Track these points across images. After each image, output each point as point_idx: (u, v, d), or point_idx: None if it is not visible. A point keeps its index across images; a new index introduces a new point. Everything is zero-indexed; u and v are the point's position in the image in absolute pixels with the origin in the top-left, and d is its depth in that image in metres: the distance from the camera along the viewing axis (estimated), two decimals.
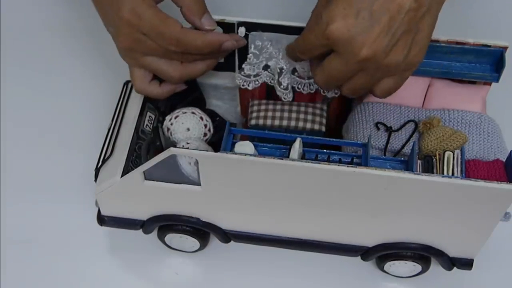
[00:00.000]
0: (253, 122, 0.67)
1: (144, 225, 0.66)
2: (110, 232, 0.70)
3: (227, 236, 0.66)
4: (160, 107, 0.68)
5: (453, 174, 0.58)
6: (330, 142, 0.60)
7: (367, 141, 0.59)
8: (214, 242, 0.69)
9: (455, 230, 0.60)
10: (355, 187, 0.57)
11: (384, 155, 0.62)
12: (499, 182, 0.54)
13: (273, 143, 0.60)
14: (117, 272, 0.69)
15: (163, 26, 0.57)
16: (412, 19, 0.52)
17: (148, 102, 0.66)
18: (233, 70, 0.68)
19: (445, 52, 0.63)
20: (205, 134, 0.66)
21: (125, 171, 0.61)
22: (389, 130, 0.63)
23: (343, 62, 0.54)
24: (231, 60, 0.67)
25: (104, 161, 0.62)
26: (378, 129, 0.63)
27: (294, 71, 0.64)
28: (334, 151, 0.60)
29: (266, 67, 0.64)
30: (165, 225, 0.66)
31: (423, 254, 0.63)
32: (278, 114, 0.66)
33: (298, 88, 0.65)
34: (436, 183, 0.55)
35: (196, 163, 0.58)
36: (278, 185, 0.58)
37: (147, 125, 0.66)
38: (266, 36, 0.63)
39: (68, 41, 0.88)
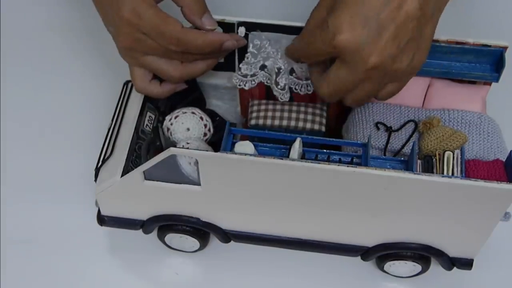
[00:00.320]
0: (253, 122, 0.67)
1: (144, 225, 0.66)
2: (110, 232, 0.70)
3: (227, 236, 0.66)
4: (160, 107, 0.68)
5: (453, 174, 0.58)
6: (330, 142, 0.60)
7: (367, 141, 0.59)
8: (214, 242, 0.69)
9: (455, 230, 0.60)
10: (355, 187, 0.57)
11: (384, 155, 0.62)
12: (499, 182, 0.54)
13: (273, 143, 0.60)
14: (117, 272, 0.69)
15: (164, 26, 0.57)
16: (417, 26, 0.53)
17: (148, 102, 0.66)
18: (233, 70, 0.68)
19: (445, 52, 0.63)
20: (205, 134, 0.66)
21: (125, 171, 0.61)
22: (389, 130, 0.63)
23: (351, 71, 0.54)
24: (231, 60, 0.67)
25: (104, 161, 0.62)
26: (378, 129, 0.63)
27: (292, 71, 0.64)
28: (334, 151, 0.60)
29: (263, 67, 0.64)
30: (165, 225, 0.66)
31: (423, 254, 0.63)
32: (278, 114, 0.66)
33: (295, 89, 0.65)
34: (436, 183, 0.55)
35: (196, 163, 0.58)
36: (278, 185, 0.58)
37: (147, 125, 0.66)
38: (265, 35, 0.63)
39: (68, 41, 0.88)
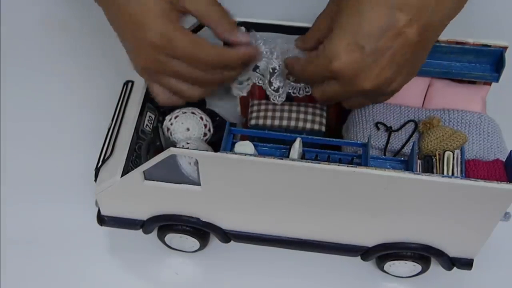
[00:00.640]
0: (253, 122, 0.67)
1: (144, 225, 0.66)
2: (110, 232, 0.70)
3: (227, 236, 0.66)
4: (160, 107, 0.68)
5: (453, 174, 0.58)
6: (330, 142, 0.60)
7: (367, 141, 0.59)
8: (214, 242, 0.69)
9: (455, 230, 0.60)
10: (355, 187, 0.57)
11: (384, 155, 0.62)
12: (499, 182, 0.54)
13: (273, 143, 0.60)
14: (117, 272, 0.69)
15: (199, 50, 0.56)
16: (414, 52, 0.53)
17: (148, 102, 0.66)
18: None
19: (445, 52, 0.63)
20: (205, 134, 0.66)
21: (125, 171, 0.61)
22: (389, 130, 0.63)
23: (345, 90, 0.55)
24: None
25: (104, 161, 0.62)
26: (378, 129, 0.63)
27: (288, 75, 0.63)
28: (334, 151, 0.60)
29: (255, 68, 0.63)
30: (165, 225, 0.66)
31: (423, 254, 0.63)
32: (278, 114, 0.66)
33: (293, 93, 0.65)
34: (436, 183, 0.55)
35: (196, 163, 0.58)
36: (278, 185, 0.58)
37: (147, 125, 0.66)
38: (259, 35, 0.62)
39: (68, 41, 0.88)
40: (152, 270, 0.69)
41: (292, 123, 0.66)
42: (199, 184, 0.60)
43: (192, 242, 0.67)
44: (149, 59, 0.57)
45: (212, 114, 0.70)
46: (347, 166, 0.55)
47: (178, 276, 0.69)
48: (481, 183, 0.54)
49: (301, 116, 0.66)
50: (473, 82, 0.65)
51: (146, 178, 0.60)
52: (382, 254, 0.64)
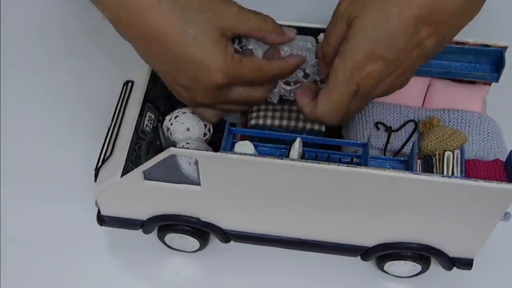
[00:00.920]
0: (253, 122, 0.67)
1: (144, 225, 0.66)
2: (110, 232, 0.70)
3: (227, 236, 0.66)
4: (160, 107, 0.68)
5: (453, 174, 0.58)
6: (330, 142, 0.60)
7: (367, 141, 0.59)
8: (214, 242, 0.69)
9: (455, 230, 0.60)
10: (355, 187, 0.57)
11: (384, 155, 0.62)
12: (499, 182, 0.54)
13: (273, 143, 0.60)
14: (117, 272, 0.69)
15: (260, 74, 0.57)
16: (425, 60, 0.54)
17: (148, 102, 0.66)
18: None
19: (445, 52, 0.63)
20: (205, 134, 0.66)
21: (125, 171, 0.61)
22: (389, 130, 0.63)
23: (364, 101, 0.56)
24: None
25: (104, 161, 0.62)
26: (378, 129, 0.63)
27: None
28: (334, 151, 0.60)
29: None
30: (165, 225, 0.66)
31: (423, 254, 0.63)
32: (278, 114, 0.66)
33: (284, 96, 0.64)
34: (436, 183, 0.55)
35: (196, 163, 0.58)
36: (278, 185, 0.58)
37: (147, 125, 0.66)
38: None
39: (68, 41, 0.88)
40: (152, 270, 0.69)
41: (292, 123, 0.66)
42: (199, 184, 0.60)
43: (192, 242, 0.67)
44: (212, 95, 0.57)
45: None
46: (347, 166, 0.55)
47: (178, 276, 0.69)
48: (481, 183, 0.54)
49: (301, 116, 0.66)
50: (473, 82, 0.65)
51: (146, 178, 0.60)
52: (382, 254, 0.64)
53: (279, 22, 0.61)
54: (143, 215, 0.65)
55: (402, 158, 0.60)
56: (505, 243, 0.69)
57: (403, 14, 0.50)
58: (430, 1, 0.50)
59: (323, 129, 0.66)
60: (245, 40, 0.59)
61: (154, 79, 0.67)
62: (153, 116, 0.67)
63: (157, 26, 0.54)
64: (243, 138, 0.62)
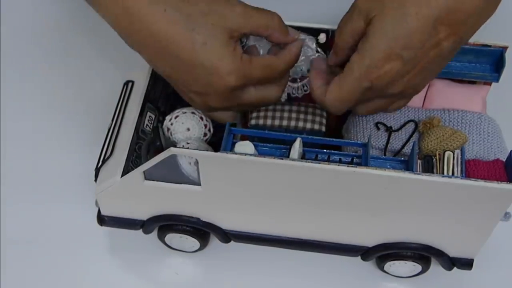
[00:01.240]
0: (253, 122, 0.67)
1: (144, 225, 0.66)
2: (110, 232, 0.70)
3: (227, 236, 0.66)
4: (160, 107, 0.68)
5: (453, 174, 0.58)
6: (330, 142, 0.60)
7: (367, 141, 0.59)
8: (214, 242, 0.69)
9: (455, 230, 0.60)
10: (355, 187, 0.57)
11: (384, 155, 0.62)
12: (499, 182, 0.54)
13: (273, 143, 0.60)
14: (117, 272, 0.69)
15: (271, 72, 0.57)
16: (444, 62, 0.54)
17: (148, 102, 0.66)
18: None
19: None
20: (205, 134, 0.66)
21: (125, 171, 0.61)
22: (389, 130, 0.63)
23: (386, 102, 0.57)
24: None
25: (104, 161, 0.62)
26: (378, 129, 0.63)
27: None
28: (334, 151, 0.60)
29: None
30: (165, 225, 0.66)
31: (423, 254, 0.63)
32: (278, 114, 0.66)
33: (292, 93, 0.65)
34: (436, 183, 0.55)
35: (196, 163, 0.58)
36: (278, 185, 0.58)
37: (147, 125, 0.66)
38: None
39: (68, 41, 0.88)
40: (152, 270, 0.69)
41: (292, 123, 0.66)
42: (199, 184, 0.60)
43: (192, 242, 0.67)
44: (225, 99, 0.58)
45: None
46: (347, 166, 0.55)
47: (178, 276, 0.69)
48: (481, 183, 0.54)
49: (301, 116, 0.66)
50: (473, 82, 0.65)
51: (146, 178, 0.60)
52: (382, 254, 0.64)
53: None
54: (143, 215, 0.65)
55: (402, 158, 0.60)
56: (505, 243, 0.69)
57: (421, 13, 0.50)
58: (449, 2, 0.50)
59: (323, 129, 0.66)
60: (245, 40, 0.59)
61: (154, 79, 0.67)
62: (153, 116, 0.67)
63: (164, 36, 0.54)
64: (243, 138, 0.62)
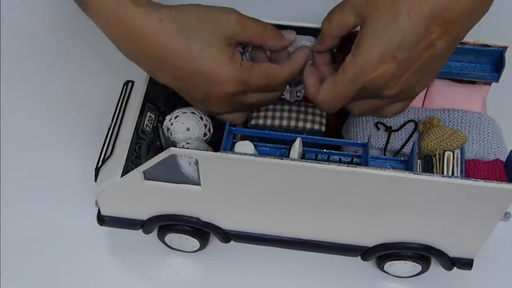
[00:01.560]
0: (253, 122, 0.67)
1: (144, 225, 0.66)
2: (110, 232, 0.70)
3: (227, 236, 0.66)
4: (160, 107, 0.68)
5: (453, 174, 0.58)
6: (330, 142, 0.60)
7: (367, 141, 0.59)
8: (214, 242, 0.69)
9: (455, 230, 0.60)
10: (355, 187, 0.57)
11: (384, 155, 0.62)
12: (499, 182, 0.54)
13: (273, 143, 0.60)
14: (117, 272, 0.69)
15: (272, 80, 0.57)
16: (440, 60, 0.54)
17: (148, 102, 0.66)
18: None
19: None
20: (205, 134, 0.66)
21: (125, 171, 0.61)
22: (389, 130, 0.63)
23: (383, 102, 0.56)
24: None
25: (104, 161, 0.62)
26: (378, 129, 0.63)
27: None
28: (334, 151, 0.60)
29: None
30: (165, 225, 0.66)
31: (423, 254, 0.63)
32: (278, 114, 0.66)
33: (283, 95, 0.65)
34: (436, 183, 0.55)
35: (196, 163, 0.58)
36: (278, 185, 0.58)
37: (147, 125, 0.66)
38: None
39: (68, 41, 0.88)
40: (152, 270, 0.69)
41: (292, 123, 0.66)
42: (199, 184, 0.60)
43: (192, 242, 0.67)
44: (227, 104, 0.58)
45: None
46: (347, 166, 0.55)
47: (178, 276, 0.69)
48: (481, 183, 0.54)
49: (301, 116, 0.66)
50: (473, 82, 0.65)
51: (146, 178, 0.60)
52: (382, 254, 0.64)
53: (278, 22, 0.61)
54: (143, 215, 0.65)
55: (402, 158, 0.60)
56: (505, 243, 0.69)
57: (414, 13, 0.50)
58: (441, 1, 0.50)
59: (323, 129, 0.66)
60: (248, 50, 0.59)
61: (154, 79, 0.67)
62: (153, 116, 0.67)
63: (161, 46, 0.54)
64: (243, 138, 0.62)
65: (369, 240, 0.63)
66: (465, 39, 0.62)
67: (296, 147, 0.58)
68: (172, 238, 0.67)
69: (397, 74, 0.53)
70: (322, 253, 0.66)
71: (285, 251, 0.67)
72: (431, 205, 0.58)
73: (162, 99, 0.69)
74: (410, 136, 0.62)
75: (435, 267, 0.65)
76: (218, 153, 0.56)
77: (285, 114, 0.67)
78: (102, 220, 0.66)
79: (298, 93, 0.65)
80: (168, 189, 0.61)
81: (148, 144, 0.64)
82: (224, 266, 0.69)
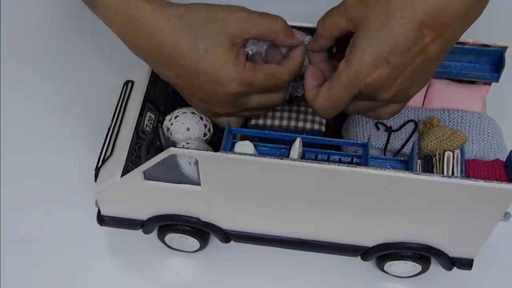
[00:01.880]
0: (253, 122, 0.67)
1: (144, 225, 0.66)
2: (110, 232, 0.70)
3: (227, 236, 0.66)
4: (160, 107, 0.68)
5: (453, 174, 0.58)
6: (330, 142, 0.60)
7: (367, 141, 0.59)
8: (214, 242, 0.69)
9: (455, 230, 0.60)
10: (355, 187, 0.57)
11: (384, 155, 0.62)
12: (499, 182, 0.54)
13: (273, 143, 0.60)
14: (117, 272, 0.69)
15: (275, 80, 0.57)
16: (433, 65, 0.54)
17: (148, 102, 0.66)
18: None
19: None
20: (205, 134, 0.66)
21: (125, 171, 0.61)
22: (389, 130, 0.63)
23: (374, 103, 0.56)
24: None
25: (104, 161, 0.62)
26: (378, 129, 0.63)
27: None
28: (334, 151, 0.60)
29: None
30: (165, 225, 0.66)
31: (423, 254, 0.63)
32: (278, 114, 0.66)
33: (292, 92, 0.64)
34: (436, 183, 0.55)
35: (196, 163, 0.58)
36: (278, 185, 0.58)
37: (147, 125, 0.66)
38: None
39: (68, 41, 0.88)
40: (152, 270, 0.69)
41: (292, 123, 0.66)
42: (199, 184, 0.60)
43: (192, 242, 0.67)
44: (229, 105, 0.58)
45: None
46: (347, 166, 0.55)
47: (178, 276, 0.69)
48: (481, 183, 0.54)
49: (301, 116, 0.66)
50: (473, 82, 0.65)
51: (146, 178, 0.60)
52: (382, 254, 0.64)
53: None
54: (143, 215, 0.65)
55: (402, 158, 0.60)
56: (505, 243, 0.69)
57: (406, 17, 0.50)
58: (434, 5, 0.49)
59: (323, 129, 0.66)
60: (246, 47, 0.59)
61: (154, 79, 0.67)
62: (153, 116, 0.67)
63: (168, 44, 0.55)
64: (243, 138, 0.62)
65: (369, 240, 0.63)
66: (465, 39, 0.62)
67: (296, 147, 0.58)
68: (172, 238, 0.67)
69: (391, 79, 0.53)
70: (322, 253, 0.66)
71: (285, 251, 0.67)
72: (431, 205, 0.58)
73: (162, 99, 0.69)
74: (410, 136, 0.62)
75: (435, 267, 0.65)
76: (218, 153, 0.56)
77: (285, 114, 0.67)
78: (102, 220, 0.66)
79: (299, 90, 0.65)
80: (168, 189, 0.61)
81: (148, 144, 0.64)
82: (224, 266, 0.69)
